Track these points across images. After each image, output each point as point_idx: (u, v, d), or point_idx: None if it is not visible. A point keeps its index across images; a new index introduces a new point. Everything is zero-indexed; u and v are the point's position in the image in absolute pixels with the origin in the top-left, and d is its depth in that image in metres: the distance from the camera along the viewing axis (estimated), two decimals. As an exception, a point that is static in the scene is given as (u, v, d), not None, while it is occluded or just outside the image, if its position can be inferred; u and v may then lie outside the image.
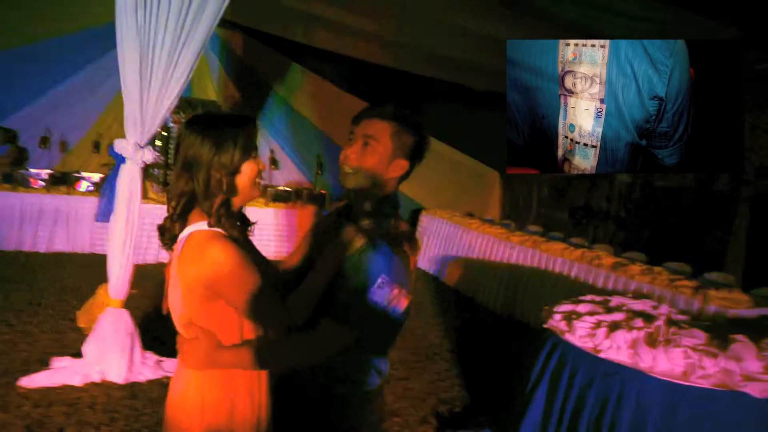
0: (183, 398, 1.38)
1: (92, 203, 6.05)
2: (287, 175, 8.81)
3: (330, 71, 8.59)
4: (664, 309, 2.93)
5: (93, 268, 4.95)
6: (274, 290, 1.35)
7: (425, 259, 7.36)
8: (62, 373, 3.24)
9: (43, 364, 3.35)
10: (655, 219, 6.53)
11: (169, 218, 1.38)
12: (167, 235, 1.38)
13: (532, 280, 5.23)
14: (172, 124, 7.36)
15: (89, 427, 2.77)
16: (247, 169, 1.36)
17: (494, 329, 5.07)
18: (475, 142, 9.18)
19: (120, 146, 3.31)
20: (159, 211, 5.79)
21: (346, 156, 1.45)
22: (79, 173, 6.71)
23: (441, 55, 7.06)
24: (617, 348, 2.36)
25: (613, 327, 2.47)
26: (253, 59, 8.39)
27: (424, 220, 7.62)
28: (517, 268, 5.51)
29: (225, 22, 7.87)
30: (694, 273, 4.52)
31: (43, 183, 6.37)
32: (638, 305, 2.95)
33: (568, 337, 2.53)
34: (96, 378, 3.25)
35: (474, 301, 5.94)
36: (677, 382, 2.19)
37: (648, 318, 2.66)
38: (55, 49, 6.83)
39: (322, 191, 8.00)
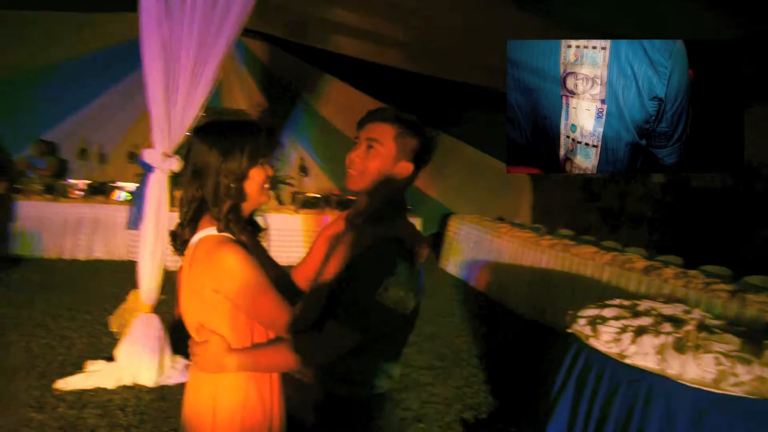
0: (195, 401, 1.41)
1: (128, 212, 6.26)
2: (316, 182, 8.89)
3: (356, 78, 8.65)
4: (696, 314, 2.83)
5: (128, 274, 5.04)
6: (282, 295, 1.36)
7: (454, 264, 7.31)
8: (96, 376, 3.34)
9: (77, 368, 3.46)
10: (691, 221, 6.31)
11: (180, 224, 1.41)
12: (178, 240, 1.42)
13: (562, 285, 5.13)
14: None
15: (120, 428, 2.85)
16: (255, 175, 1.38)
17: (523, 334, 4.98)
18: (504, 145, 9.10)
19: (148, 156, 3.40)
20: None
21: (351, 159, 1.46)
22: (115, 183, 6.92)
23: (467, 59, 7.02)
24: (644, 354, 2.29)
25: (640, 332, 2.40)
26: (280, 68, 8.52)
27: (453, 224, 7.57)
28: (546, 273, 5.41)
29: (251, 32, 8.04)
30: (734, 276, 4.35)
31: (81, 193, 6.59)
32: (669, 309, 2.86)
33: (593, 342, 2.47)
34: (127, 381, 3.34)
35: (503, 306, 5.86)
36: (707, 389, 2.10)
37: (678, 323, 2.57)
38: (91, 64, 7.12)
39: (351, 197, 8.04)
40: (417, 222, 7.80)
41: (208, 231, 1.35)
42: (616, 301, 2.96)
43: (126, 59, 6.61)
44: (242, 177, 1.36)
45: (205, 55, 3.34)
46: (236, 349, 1.34)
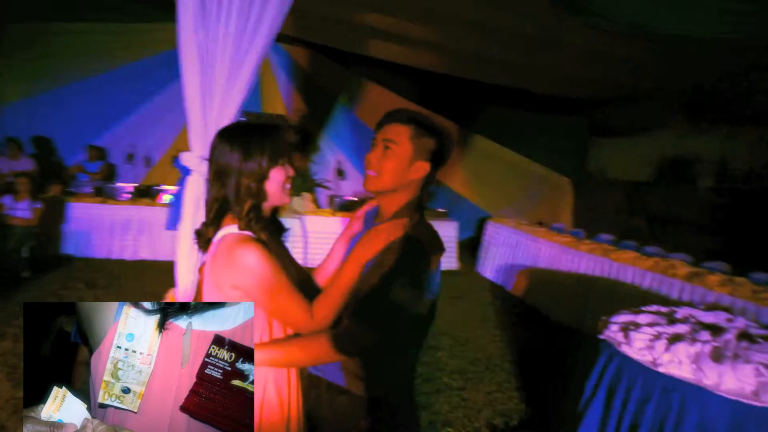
0: None
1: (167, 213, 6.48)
2: (354, 186, 8.95)
3: (393, 81, 8.68)
4: (740, 322, 2.69)
5: (170, 274, 5.26)
6: (301, 294, 1.39)
7: (491, 269, 7.21)
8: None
9: (119, 363, 3.59)
10: (742, 226, 6.02)
11: (204, 223, 1.46)
12: (202, 238, 1.47)
13: (601, 291, 4.97)
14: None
15: None
16: (276, 175, 1.42)
17: (559, 341, 4.86)
18: (544, 148, 8.94)
19: (185, 159, 3.50)
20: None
21: (369, 161, 1.50)
22: (161, 186, 7.18)
23: (503, 61, 6.93)
24: (678, 362, 2.19)
25: (674, 339, 2.30)
26: (319, 73, 8.65)
27: (490, 228, 7.47)
28: (585, 278, 5.26)
29: (291, 39, 8.20)
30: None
31: (129, 196, 6.88)
32: (709, 317, 2.73)
33: (625, 349, 2.38)
34: (164, 377, 3.44)
35: (540, 312, 5.74)
36: (746, 401, 2.00)
37: (717, 331, 2.45)
38: (137, 72, 7.44)
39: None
40: (453, 226, 7.75)
41: (229, 229, 1.39)
42: (653, 308, 2.85)
43: (171, 67, 6.86)
44: (263, 177, 1.40)
45: (241, 60, 3.41)
46: (256, 345, 1.37)
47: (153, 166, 8.12)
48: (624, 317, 2.65)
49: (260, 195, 1.41)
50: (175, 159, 7.54)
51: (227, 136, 1.44)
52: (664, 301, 4.19)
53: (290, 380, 1.49)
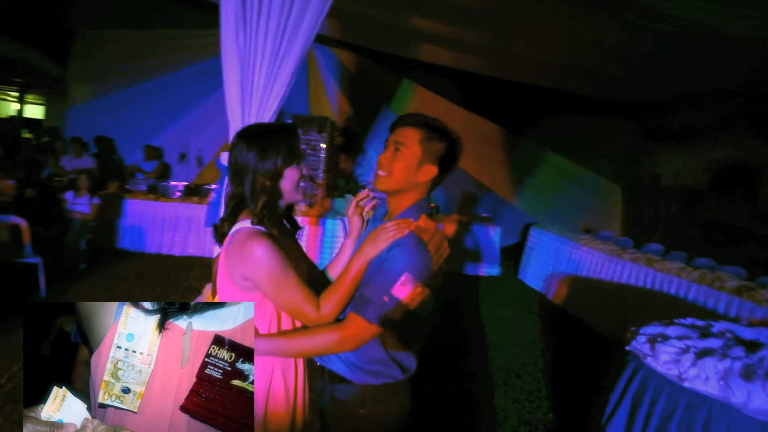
0: None
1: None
2: (396, 189, 8.99)
3: (441, 85, 8.68)
4: (783, 339, 2.55)
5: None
6: (309, 288, 1.45)
7: (533, 276, 7.07)
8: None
9: (159, 352, 3.77)
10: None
11: (222, 218, 1.55)
12: (218, 232, 1.55)
13: (644, 302, 4.79)
14: (289, 141, 7.89)
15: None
16: (290, 174, 1.49)
17: (597, 352, 4.72)
18: (594, 153, 8.69)
19: (225, 159, 3.66)
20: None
21: (380, 161, 1.55)
22: (210, 186, 7.45)
23: (551, 64, 6.80)
24: (705, 378, 2.10)
25: (703, 354, 2.20)
26: (366, 76, 8.75)
27: (533, 235, 7.32)
28: (627, 289, 5.08)
29: (339, 43, 8.34)
30: None
31: (180, 194, 7.18)
32: (750, 333, 2.60)
33: (650, 362, 2.31)
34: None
35: (581, 321, 5.58)
36: (776, 422, 1.90)
37: (754, 347, 2.33)
38: (190, 77, 7.77)
39: (432, 204, 8.05)
40: (496, 231, 7.65)
41: (243, 223, 1.46)
42: (689, 321, 2.74)
43: (219, 72, 7.16)
44: (277, 176, 1.47)
45: (279, 63, 3.53)
46: (263, 335, 1.45)
47: (204, 166, 8.45)
48: (654, 329, 2.56)
49: (275, 193, 1.48)
50: (216, 160, 7.84)
51: (245, 137, 1.52)
52: (710, 315, 4.00)
53: (297, 370, 1.54)
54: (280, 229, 1.52)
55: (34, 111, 11.32)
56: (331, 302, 1.44)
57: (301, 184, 1.54)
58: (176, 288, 5.49)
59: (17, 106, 10.15)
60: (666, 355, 2.27)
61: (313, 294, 1.44)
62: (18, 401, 2.97)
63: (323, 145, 7.95)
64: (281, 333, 1.48)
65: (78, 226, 5.86)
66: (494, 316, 5.57)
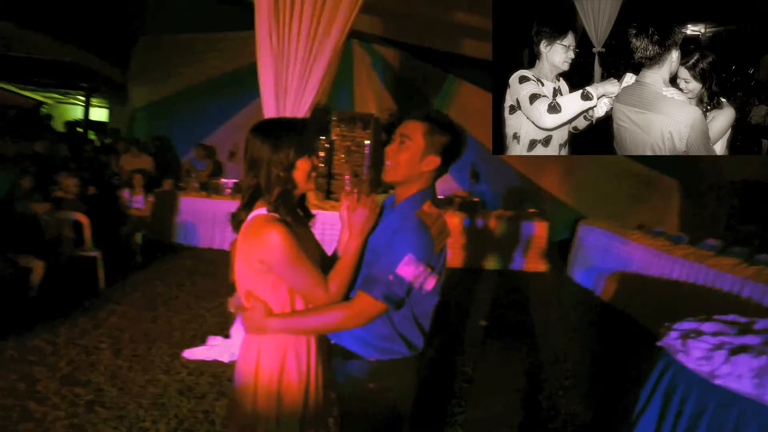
0: (243, 361, 1.64)
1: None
2: (442, 184, 8.92)
3: (485, 79, 8.56)
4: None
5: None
6: (320, 271, 1.55)
7: (580, 272, 6.88)
8: (215, 349, 3.80)
9: (203, 341, 3.96)
10: None
11: (238, 208, 1.64)
12: (235, 220, 1.65)
13: (694, 299, 4.57)
14: (334, 137, 8.03)
15: (224, 397, 3.21)
16: (302, 165, 1.57)
17: (643, 350, 4.54)
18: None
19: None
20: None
21: (386, 152, 1.64)
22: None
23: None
24: (738, 375, 2.00)
25: (738, 351, 2.10)
26: (410, 72, 8.76)
27: (581, 230, 7.12)
28: (677, 285, 4.86)
29: (383, 40, 8.39)
30: None
31: (230, 191, 7.45)
32: (798, 332, 2.45)
33: (681, 358, 2.22)
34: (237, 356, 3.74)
35: (630, 318, 5.39)
36: (813, 423, 1.79)
37: (797, 346, 2.20)
38: (238, 77, 8.02)
39: (476, 199, 7.98)
40: (543, 226, 7.49)
41: (259, 211, 1.56)
42: (730, 317, 2.61)
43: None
44: (290, 167, 1.55)
45: (312, 60, 3.62)
46: (278, 314, 1.55)
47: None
48: (688, 325, 2.46)
49: (289, 183, 1.56)
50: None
51: (259, 131, 1.61)
52: (766, 312, 3.77)
53: (309, 349, 1.63)
54: (294, 217, 1.60)
55: (99, 114, 12.05)
56: (335, 282, 1.54)
57: (312, 173, 1.62)
58: (226, 281, 5.71)
59: (84, 109, 10.82)
60: (698, 351, 2.17)
61: (323, 276, 1.54)
62: (75, 383, 3.21)
63: (367, 142, 8.04)
64: (294, 312, 1.58)
65: (134, 221, 6.20)
66: (541, 313, 5.47)
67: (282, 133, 1.56)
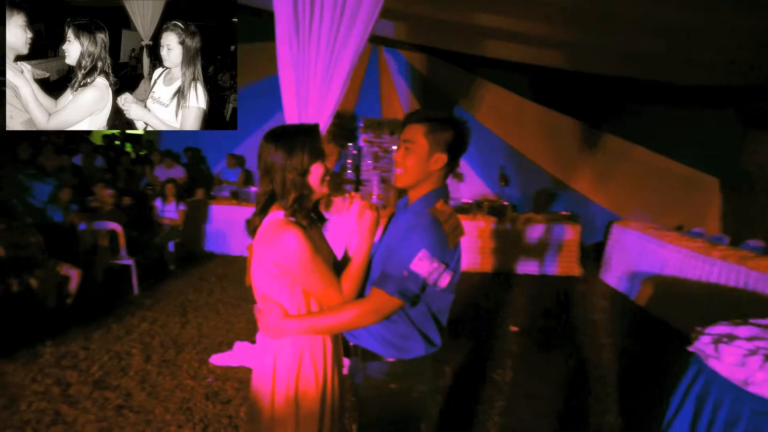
0: (261, 364, 1.66)
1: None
2: (472, 188, 8.87)
3: (515, 82, 8.46)
4: None
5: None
6: (333, 273, 1.57)
7: (614, 275, 6.68)
8: (241, 355, 3.84)
9: (230, 347, 4.01)
10: None
11: (254, 213, 1.68)
12: (250, 226, 1.68)
13: (735, 302, 4.37)
14: (362, 144, 8.05)
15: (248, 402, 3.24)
16: (316, 170, 1.60)
17: (678, 355, 4.37)
18: (687, 145, 8.05)
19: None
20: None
21: (395, 160, 1.67)
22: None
23: (630, 51, 6.40)
24: (773, 382, 1.90)
25: (774, 356, 1.99)
26: (437, 76, 8.71)
27: (615, 232, 6.92)
28: (715, 288, 4.66)
29: (409, 45, 8.38)
30: None
31: (261, 199, 7.54)
32: (843, 336, 2.30)
33: (713, 364, 2.12)
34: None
35: (665, 323, 5.19)
36: None
37: (841, 351, 2.06)
38: (267, 87, 8.12)
39: (505, 203, 7.86)
40: (576, 229, 7.32)
41: (274, 215, 1.59)
42: (767, 320, 2.48)
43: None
44: (304, 172, 1.58)
45: (333, 67, 3.64)
46: (294, 315, 1.57)
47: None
48: (721, 328, 2.35)
49: (303, 187, 1.58)
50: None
51: (272, 137, 1.63)
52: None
53: (326, 352, 1.65)
54: (308, 221, 1.62)
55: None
56: (348, 283, 1.57)
57: (325, 177, 1.64)
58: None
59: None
60: (731, 356, 2.07)
61: (336, 278, 1.56)
62: (105, 387, 3.29)
63: (395, 147, 8.04)
64: (310, 313, 1.60)
65: (167, 230, 6.35)
66: (573, 318, 5.34)
67: (295, 138, 1.58)
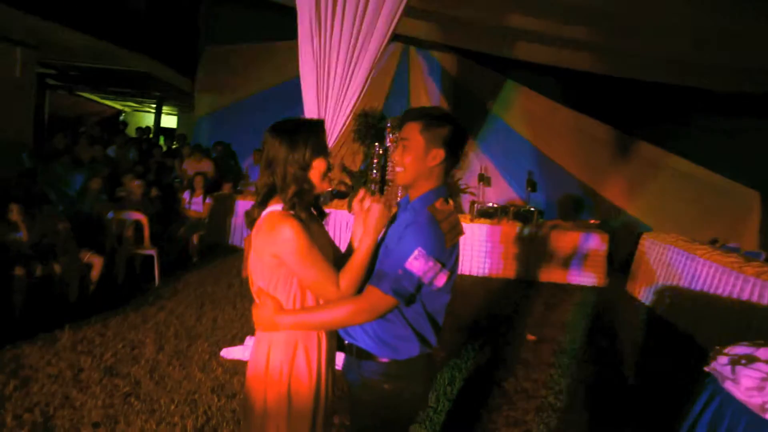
0: (255, 357, 1.65)
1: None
2: (499, 193, 8.74)
3: (546, 85, 8.30)
4: None
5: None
6: (332, 267, 1.55)
7: (642, 289, 6.46)
8: (251, 349, 3.85)
9: (242, 341, 4.03)
10: None
11: (253, 205, 1.67)
12: (249, 218, 1.68)
13: (766, 322, 4.15)
14: (389, 144, 8.01)
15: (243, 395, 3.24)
16: (317, 165, 1.60)
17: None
18: (726, 155, 7.72)
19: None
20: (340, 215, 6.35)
21: (394, 160, 1.66)
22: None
23: (668, 57, 6.19)
24: (793, 409, 1.77)
25: (795, 382, 1.86)
26: (467, 78, 8.62)
27: (645, 244, 6.69)
28: (748, 306, 4.44)
29: (440, 46, 8.31)
30: None
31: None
32: None
33: (730, 387, 2.00)
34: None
35: (691, 339, 4.98)
36: None
37: None
38: (296, 87, 8.19)
39: (531, 209, 7.70)
40: (604, 238, 7.11)
41: (273, 207, 1.58)
42: (794, 344, 2.33)
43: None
44: (306, 167, 1.58)
45: (354, 65, 3.61)
46: (288, 310, 1.57)
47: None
48: (741, 349, 2.22)
49: (304, 181, 1.58)
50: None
51: (276, 131, 1.63)
52: None
53: (320, 347, 1.63)
54: (308, 215, 1.62)
55: (169, 121, 12.72)
56: (347, 278, 1.54)
57: (327, 173, 1.63)
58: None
59: (155, 116, 11.48)
60: (749, 380, 1.95)
61: (335, 272, 1.54)
62: (116, 374, 3.35)
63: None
64: (304, 308, 1.58)
65: (192, 223, 6.45)
66: (596, 329, 5.18)
67: (298, 133, 1.58)
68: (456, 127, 1.59)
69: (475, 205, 7.70)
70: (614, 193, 8.39)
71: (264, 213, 1.59)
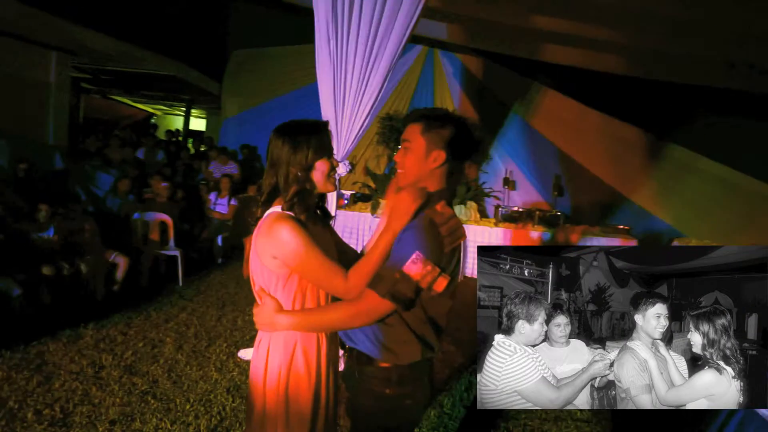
0: (255, 357, 1.64)
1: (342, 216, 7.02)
2: (524, 196, 8.62)
3: (572, 87, 8.15)
4: None
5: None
6: (336, 263, 1.53)
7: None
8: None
9: (260, 342, 4.05)
10: None
11: (258, 205, 1.67)
12: (252, 218, 1.68)
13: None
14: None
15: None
16: (320, 166, 1.59)
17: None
18: (762, 159, 7.43)
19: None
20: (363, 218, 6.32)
21: (395, 160, 1.65)
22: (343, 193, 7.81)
23: (700, 57, 6.00)
24: (819, 428, 1.68)
25: (822, 398, 1.75)
26: (493, 81, 8.53)
27: (675, 249, 6.47)
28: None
29: (464, 48, 8.25)
30: None
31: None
32: None
33: (752, 401, 1.90)
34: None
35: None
36: None
37: None
38: (311, 94, 8.25)
39: (558, 213, 7.56)
40: (631, 244, 6.92)
41: (274, 208, 1.59)
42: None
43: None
44: (309, 168, 1.57)
45: (370, 68, 3.61)
46: (287, 311, 1.56)
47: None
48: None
49: (307, 182, 1.58)
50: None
51: (280, 132, 1.63)
52: None
53: (320, 347, 1.61)
54: (310, 216, 1.61)
55: (198, 123, 12.97)
56: (358, 274, 1.52)
57: (330, 174, 1.63)
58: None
59: (184, 119, 11.73)
60: (772, 394, 1.85)
61: (340, 268, 1.52)
62: (135, 373, 3.41)
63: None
64: (303, 309, 1.58)
65: (216, 224, 6.55)
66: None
67: (301, 134, 1.58)
68: (459, 129, 1.56)
69: (500, 210, 7.60)
70: (644, 198, 8.16)
71: (265, 214, 1.59)
